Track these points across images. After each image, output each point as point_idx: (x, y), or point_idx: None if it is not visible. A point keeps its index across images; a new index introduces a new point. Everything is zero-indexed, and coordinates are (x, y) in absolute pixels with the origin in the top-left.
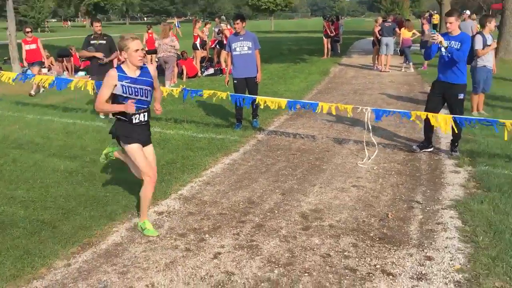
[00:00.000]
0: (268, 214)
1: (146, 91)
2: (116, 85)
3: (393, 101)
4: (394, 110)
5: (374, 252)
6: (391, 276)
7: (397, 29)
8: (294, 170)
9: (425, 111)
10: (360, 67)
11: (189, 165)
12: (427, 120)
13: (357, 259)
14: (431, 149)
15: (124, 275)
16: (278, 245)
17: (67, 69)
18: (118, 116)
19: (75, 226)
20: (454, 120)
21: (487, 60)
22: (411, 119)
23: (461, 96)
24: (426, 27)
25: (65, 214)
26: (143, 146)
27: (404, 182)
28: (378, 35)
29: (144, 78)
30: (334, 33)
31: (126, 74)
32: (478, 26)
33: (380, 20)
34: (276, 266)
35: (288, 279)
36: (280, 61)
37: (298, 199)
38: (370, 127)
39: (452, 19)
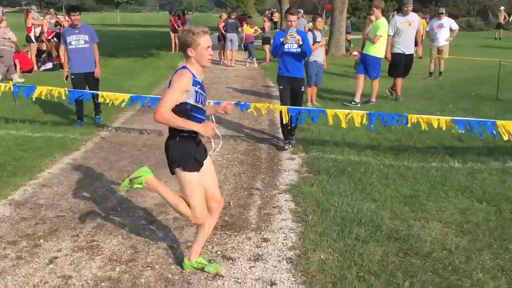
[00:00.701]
0: (111, 212)
1: (205, 98)
2: (188, 91)
3: (238, 94)
4: (237, 102)
5: (216, 239)
6: (230, 260)
7: (239, 29)
8: (139, 166)
9: (281, 105)
10: None
11: (22, 167)
12: (282, 119)
13: None
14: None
15: None
16: (121, 242)
17: None
18: (183, 134)
19: None
20: (291, 111)
21: (317, 55)
22: (249, 110)
23: (303, 88)
24: (267, 24)
25: None
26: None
27: (246, 171)
28: (223, 31)
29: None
30: (181, 28)
31: (196, 77)
32: (310, 24)
33: (224, 16)
34: (118, 264)
35: (130, 275)
36: (127, 56)
37: (143, 194)
38: (214, 120)
39: (294, 17)
